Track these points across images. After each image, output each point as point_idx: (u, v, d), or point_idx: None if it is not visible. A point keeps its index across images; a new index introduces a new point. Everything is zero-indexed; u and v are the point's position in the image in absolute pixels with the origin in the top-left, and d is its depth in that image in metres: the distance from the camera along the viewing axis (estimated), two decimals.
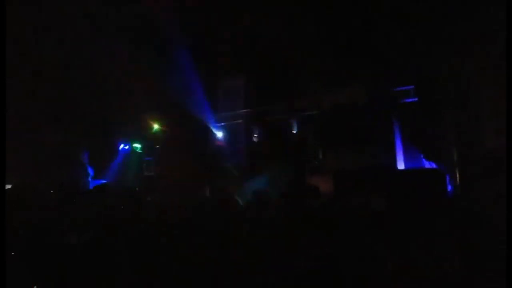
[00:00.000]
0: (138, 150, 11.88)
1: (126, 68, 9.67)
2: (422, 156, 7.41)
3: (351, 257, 2.35)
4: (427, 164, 7.28)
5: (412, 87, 7.66)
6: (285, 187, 7.37)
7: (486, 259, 2.15)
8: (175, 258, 2.74)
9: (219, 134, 10.68)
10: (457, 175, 6.65)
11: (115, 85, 10.15)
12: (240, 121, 10.32)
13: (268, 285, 2.30)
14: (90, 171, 10.90)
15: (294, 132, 9.39)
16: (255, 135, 10.03)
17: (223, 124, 10.63)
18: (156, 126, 11.20)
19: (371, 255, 2.40)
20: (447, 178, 6.42)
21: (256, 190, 6.05)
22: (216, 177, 9.89)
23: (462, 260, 2.24)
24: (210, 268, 2.53)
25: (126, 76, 9.86)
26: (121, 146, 11.84)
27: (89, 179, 10.66)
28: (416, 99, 7.59)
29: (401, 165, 7.66)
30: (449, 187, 6.52)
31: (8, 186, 5.04)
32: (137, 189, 7.62)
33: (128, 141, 11.86)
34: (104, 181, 10.42)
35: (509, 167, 3.15)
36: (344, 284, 2.26)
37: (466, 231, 2.56)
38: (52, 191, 5.13)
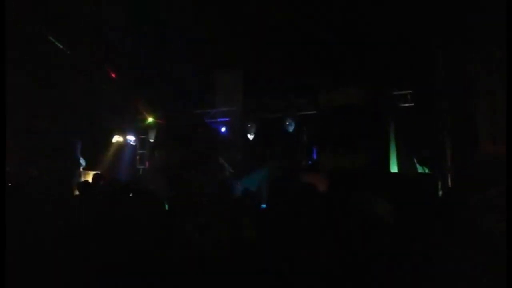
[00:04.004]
0: (132, 143, 11.83)
1: (120, 60, 9.60)
2: (415, 160, 7.46)
3: (344, 257, 2.35)
4: (420, 169, 7.32)
5: (409, 91, 7.70)
6: (278, 184, 7.32)
7: (477, 266, 2.15)
8: (168, 254, 2.71)
9: (214, 129, 10.64)
10: (450, 181, 6.69)
11: (109, 76, 10.08)
12: (235, 116, 10.29)
13: (261, 284, 2.28)
14: (82, 161, 10.82)
15: (290, 130, 9.39)
16: (250, 132, 10.01)
17: (218, 119, 10.59)
18: (150, 119, 11.14)
19: (363, 257, 2.39)
20: (439, 184, 6.47)
21: (249, 187, 6.04)
22: (209, 172, 9.86)
23: (451, 266, 2.24)
24: (202, 267, 2.51)
25: (120, 68, 9.79)
26: (115, 137, 11.77)
27: (81, 169, 10.58)
28: (413, 104, 7.64)
29: (394, 169, 7.69)
30: (440, 193, 6.55)
31: None
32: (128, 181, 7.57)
33: (122, 133, 11.80)
34: (96, 172, 10.35)
35: (510, 169, 3.16)
36: (337, 285, 2.26)
37: (454, 236, 2.56)
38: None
